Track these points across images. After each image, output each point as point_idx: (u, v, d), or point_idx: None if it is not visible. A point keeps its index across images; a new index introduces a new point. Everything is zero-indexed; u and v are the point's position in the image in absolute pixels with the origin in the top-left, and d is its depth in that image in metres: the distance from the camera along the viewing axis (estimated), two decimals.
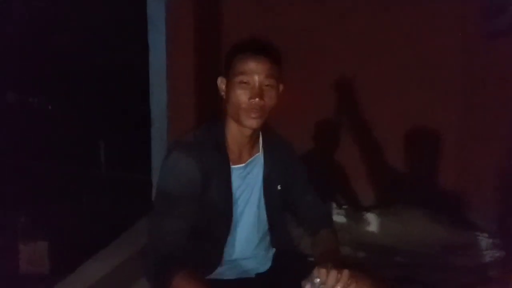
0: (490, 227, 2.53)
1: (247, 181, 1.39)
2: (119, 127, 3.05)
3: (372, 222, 2.52)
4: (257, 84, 1.29)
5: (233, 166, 1.36)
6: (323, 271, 1.17)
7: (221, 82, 1.35)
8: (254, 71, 1.28)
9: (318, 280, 1.17)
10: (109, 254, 2.16)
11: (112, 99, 3.06)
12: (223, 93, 1.35)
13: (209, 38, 2.73)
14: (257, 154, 1.42)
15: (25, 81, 3.07)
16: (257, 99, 1.28)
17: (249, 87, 1.29)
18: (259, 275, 1.43)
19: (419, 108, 2.74)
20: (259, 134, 1.42)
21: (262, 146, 1.43)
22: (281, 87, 1.35)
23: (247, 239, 1.41)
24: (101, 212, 2.60)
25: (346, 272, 1.18)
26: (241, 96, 1.29)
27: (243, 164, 1.38)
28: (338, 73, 2.76)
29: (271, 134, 1.45)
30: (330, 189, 2.76)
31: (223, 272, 1.40)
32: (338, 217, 2.52)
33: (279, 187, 1.43)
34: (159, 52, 2.54)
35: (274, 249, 1.48)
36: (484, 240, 2.46)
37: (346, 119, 2.81)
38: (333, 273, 1.17)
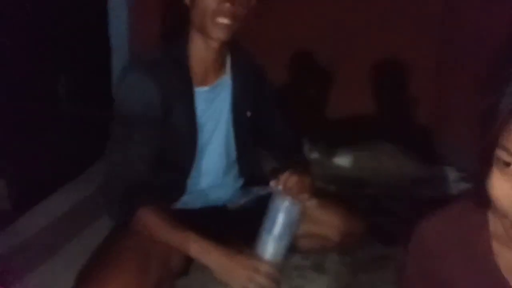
0: (458, 161, 2.56)
1: (214, 105, 1.28)
2: (78, 58, 2.86)
3: (345, 157, 2.50)
4: None
5: (197, 89, 1.24)
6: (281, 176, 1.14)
7: None
8: None
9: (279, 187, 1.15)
10: (69, 191, 2.08)
11: (69, 27, 2.84)
12: (188, 1, 1.20)
13: None
14: (224, 76, 1.29)
15: None
16: (227, 3, 1.14)
17: None
18: (226, 203, 1.37)
19: (394, 43, 2.67)
20: (227, 54, 1.29)
21: (230, 67, 1.30)
22: (254, 0, 1.21)
23: (214, 168, 1.33)
24: (61, 148, 2.48)
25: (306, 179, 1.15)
26: (209, 0, 1.15)
27: (208, 86, 1.26)
28: (314, 5, 2.63)
29: (240, 54, 1.32)
30: (304, 123, 2.71)
31: (189, 201, 1.32)
32: (311, 153, 2.49)
33: (248, 114, 1.33)
34: None
35: (242, 179, 1.41)
36: (452, 173, 2.49)
37: (321, 53, 2.72)
38: (293, 177, 1.14)
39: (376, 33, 2.67)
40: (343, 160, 2.49)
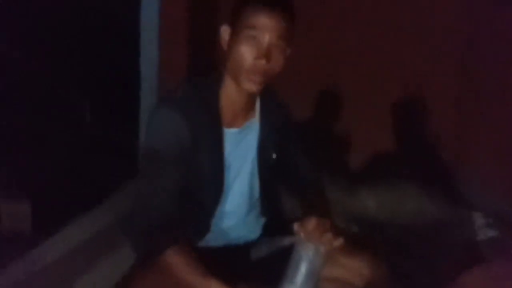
0: (485, 205, 2.50)
1: (241, 147, 1.29)
2: (106, 85, 2.93)
3: (365, 195, 2.47)
4: (266, 42, 1.15)
5: (226, 130, 1.25)
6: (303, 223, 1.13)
7: (224, 31, 1.20)
8: (266, 28, 1.14)
9: (301, 235, 1.13)
10: (93, 217, 2.10)
11: (99, 53, 2.92)
12: (224, 45, 1.21)
13: None
14: (253, 119, 1.30)
15: (7, 34, 2.90)
16: (263, 60, 1.15)
17: (257, 45, 1.15)
18: (248, 243, 1.36)
19: (417, 76, 2.67)
20: (257, 97, 1.30)
21: (259, 110, 1.31)
22: (288, 51, 1.21)
23: (238, 207, 1.33)
24: (85, 173, 2.52)
25: (327, 222, 1.14)
26: (246, 53, 1.16)
27: (238, 128, 1.27)
28: (337, 40, 2.66)
29: (269, 96, 1.33)
30: (324, 159, 2.70)
31: (211, 239, 1.32)
32: (331, 189, 2.46)
33: (274, 156, 1.34)
34: (151, 4, 2.38)
35: (264, 218, 1.41)
36: (478, 219, 2.43)
37: (343, 87, 2.73)
38: (313, 221, 1.13)
39: (397, 69, 2.67)
40: (365, 200, 2.46)
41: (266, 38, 1.15)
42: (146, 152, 1.23)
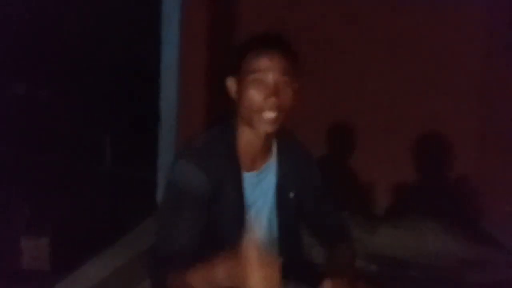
0: (509, 243, 2.43)
1: (260, 189, 1.32)
2: (126, 123, 3.00)
3: (385, 233, 2.42)
4: (272, 81, 1.18)
5: (245, 174, 1.28)
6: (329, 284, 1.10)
7: (230, 83, 1.24)
8: (269, 69, 1.18)
9: None
10: (112, 254, 2.12)
11: (121, 93, 3.01)
12: (233, 95, 1.25)
13: (224, 33, 2.66)
14: (270, 160, 1.33)
15: (30, 73, 3.03)
16: (272, 98, 1.17)
17: (263, 85, 1.18)
18: None
19: (437, 115, 2.64)
20: (273, 139, 1.33)
21: (277, 151, 1.34)
22: (297, 85, 1.24)
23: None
24: (104, 210, 2.55)
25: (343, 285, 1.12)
26: (255, 95, 1.19)
27: (256, 172, 1.30)
28: (354, 76, 2.68)
29: (286, 138, 1.35)
30: (342, 197, 2.67)
31: None
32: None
33: (291, 195, 1.35)
34: (172, 46, 2.47)
35: (282, 259, 1.40)
36: (502, 257, 2.35)
37: (360, 124, 2.73)
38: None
39: (415, 104, 2.65)
40: (384, 238, 2.41)
41: (271, 77, 1.18)
42: (166, 204, 1.27)
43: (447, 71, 2.62)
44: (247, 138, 1.27)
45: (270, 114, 1.19)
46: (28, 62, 2.98)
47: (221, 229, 1.27)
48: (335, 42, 2.66)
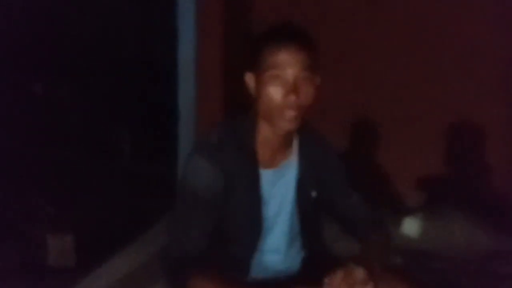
0: None
1: (279, 186, 1.29)
2: (145, 119, 3.02)
3: (412, 225, 2.39)
4: (291, 78, 1.14)
5: (262, 170, 1.25)
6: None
7: (249, 78, 1.21)
8: (288, 64, 1.14)
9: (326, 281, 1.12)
10: (134, 251, 2.13)
11: (139, 90, 3.03)
12: (252, 91, 1.21)
13: (240, 28, 2.65)
14: (290, 158, 1.29)
15: (50, 72, 3.07)
16: (292, 96, 1.14)
17: (283, 82, 1.15)
18: (287, 277, 1.34)
19: (462, 104, 2.59)
20: (294, 136, 1.29)
21: (298, 149, 1.30)
22: (318, 79, 1.20)
23: (278, 245, 1.32)
24: (125, 206, 2.58)
25: (360, 271, 1.11)
26: (274, 93, 1.15)
27: (274, 169, 1.27)
28: (375, 68, 2.64)
29: (308, 134, 1.31)
30: (368, 189, 2.63)
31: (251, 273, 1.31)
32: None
33: (313, 194, 1.32)
34: (188, 42, 2.46)
35: (305, 252, 1.39)
36: None
37: (385, 116, 2.69)
38: (340, 274, 1.11)
39: (439, 94, 2.60)
40: (409, 229, 2.37)
41: (290, 73, 1.14)
42: (180, 198, 1.26)
43: (471, 60, 2.57)
44: (266, 134, 1.24)
45: (290, 113, 1.16)
46: (45, 62, 3.02)
47: (234, 226, 1.25)
48: (354, 33, 2.63)
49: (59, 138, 2.96)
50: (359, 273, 1.12)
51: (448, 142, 2.67)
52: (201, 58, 2.52)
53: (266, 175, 1.26)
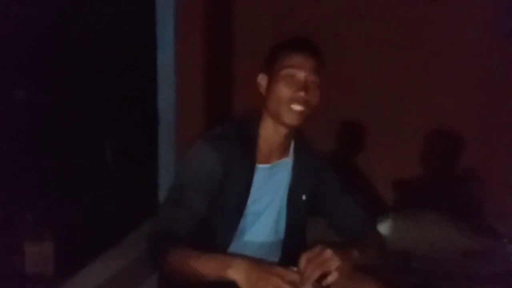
0: (511, 234, 2.41)
1: (272, 183, 1.35)
2: (125, 125, 3.02)
3: (389, 226, 2.42)
4: (303, 78, 1.28)
5: (258, 165, 1.32)
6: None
7: (262, 79, 1.33)
8: (302, 66, 1.28)
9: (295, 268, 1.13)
10: (114, 256, 2.13)
11: (119, 95, 3.02)
12: (263, 91, 1.33)
13: (219, 33, 2.67)
14: (286, 158, 1.37)
15: (31, 78, 3.06)
16: (302, 92, 1.26)
17: (295, 80, 1.28)
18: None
19: (439, 109, 2.66)
20: (292, 138, 1.37)
21: (293, 151, 1.38)
22: (321, 87, 1.31)
23: (260, 243, 1.35)
24: (106, 212, 2.56)
25: (328, 252, 1.14)
26: (286, 88, 1.28)
27: (269, 165, 1.34)
28: (358, 73, 2.68)
29: (303, 141, 1.41)
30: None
31: None
32: None
33: (304, 197, 1.38)
34: (167, 46, 2.47)
35: (286, 251, 1.40)
36: (506, 248, 2.34)
37: (364, 119, 2.73)
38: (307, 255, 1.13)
39: (418, 99, 2.66)
40: (387, 230, 2.40)
41: (303, 74, 1.28)
42: (177, 180, 1.31)
43: (449, 67, 2.64)
44: (269, 132, 1.33)
45: (297, 107, 1.27)
46: (25, 68, 3.00)
47: (220, 217, 1.29)
48: (337, 39, 2.67)
49: (38, 144, 2.94)
50: (327, 253, 1.15)
51: (425, 146, 2.72)
52: (181, 63, 2.53)
53: (261, 170, 1.33)
